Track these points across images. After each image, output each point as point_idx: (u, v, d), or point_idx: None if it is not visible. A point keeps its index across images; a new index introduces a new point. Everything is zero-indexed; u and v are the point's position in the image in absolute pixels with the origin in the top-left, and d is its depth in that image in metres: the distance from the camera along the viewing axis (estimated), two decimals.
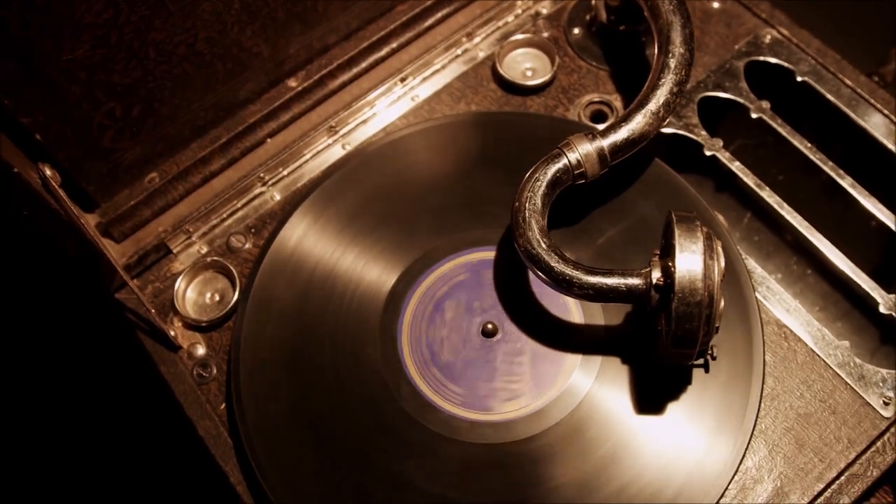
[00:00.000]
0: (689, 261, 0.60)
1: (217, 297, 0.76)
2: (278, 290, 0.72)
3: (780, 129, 0.80)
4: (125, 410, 1.08)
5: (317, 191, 0.76)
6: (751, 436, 0.65)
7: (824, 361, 0.70)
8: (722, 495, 0.63)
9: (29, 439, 1.09)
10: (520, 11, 0.86)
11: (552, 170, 0.67)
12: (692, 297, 0.59)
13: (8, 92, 0.64)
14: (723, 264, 0.61)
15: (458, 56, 0.85)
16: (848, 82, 0.81)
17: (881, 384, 0.69)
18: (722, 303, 0.61)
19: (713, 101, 0.82)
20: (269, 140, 0.81)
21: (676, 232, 0.61)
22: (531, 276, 0.71)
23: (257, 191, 0.79)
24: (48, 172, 0.63)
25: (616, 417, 0.66)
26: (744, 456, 0.65)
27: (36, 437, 1.09)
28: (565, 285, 0.64)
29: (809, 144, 0.79)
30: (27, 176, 0.64)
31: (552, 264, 0.64)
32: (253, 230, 0.78)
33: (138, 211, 0.77)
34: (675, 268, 0.60)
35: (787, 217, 0.76)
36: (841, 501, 0.65)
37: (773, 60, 0.83)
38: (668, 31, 0.72)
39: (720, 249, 0.61)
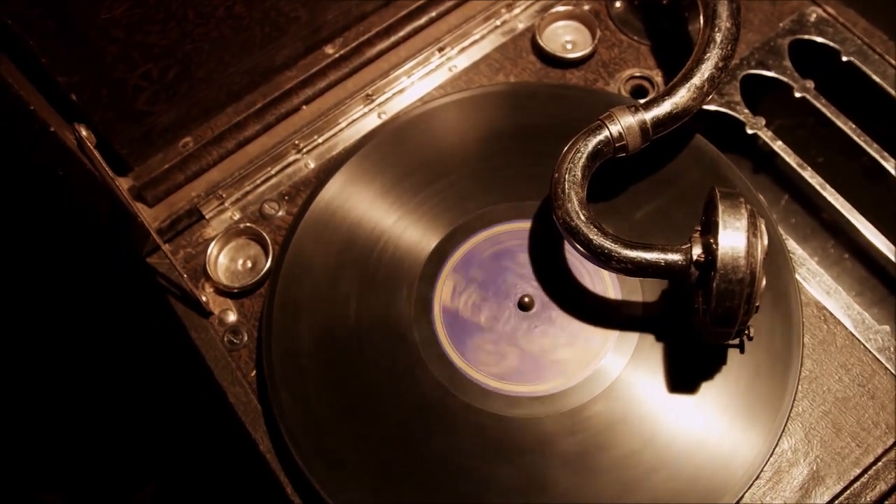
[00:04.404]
0: (733, 237, 0.58)
1: (249, 264, 0.75)
2: (312, 257, 0.71)
3: (823, 110, 0.78)
4: (155, 375, 1.08)
5: (353, 158, 0.75)
6: (787, 418, 0.64)
7: (864, 345, 0.69)
8: (757, 477, 0.63)
9: (57, 402, 1.09)
10: None
11: (593, 141, 0.66)
12: (734, 275, 0.58)
13: (45, 50, 0.64)
14: (766, 242, 0.60)
15: (497, 27, 0.83)
16: (895, 63, 0.80)
17: None
18: (763, 281, 0.60)
19: (755, 79, 0.80)
20: (304, 107, 0.80)
21: (720, 208, 0.60)
22: (568, 249, 0.70)
23: (291, 158, 0.79)
24: (84, 133, 0.63)
25: (649, 396, 0.65)
26: (780, 438, 0.64)
27: (64, 400, 1.09)
28: (603, 258, 0.63)
29: (853, 126, 0.78)
30: (63, 136, 0.63)
31: (591, 237, 0.63)
32: (286, 197, 0.77)
33: (171, 175, 0.77)
34: (717, 244, 0.59)
35: (830, 199, 0.75)
36: (878, 487, 0.64)
37: (818, 39, 0.81)
38: (715, 5, 0.70)
39: (764, 227, 0.60)
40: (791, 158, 0.76)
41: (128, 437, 1.10)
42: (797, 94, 0.79)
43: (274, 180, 0.78)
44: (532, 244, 0.71)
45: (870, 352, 0.69)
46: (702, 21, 0.72)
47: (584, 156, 0.66)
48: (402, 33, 0.82)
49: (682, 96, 0.68)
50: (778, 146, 0.77)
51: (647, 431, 0.64)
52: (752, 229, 0.59)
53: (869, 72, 0.80)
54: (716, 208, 0.60)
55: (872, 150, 0.76)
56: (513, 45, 0.83)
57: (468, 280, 0.70)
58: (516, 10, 0.84)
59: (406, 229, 0.72)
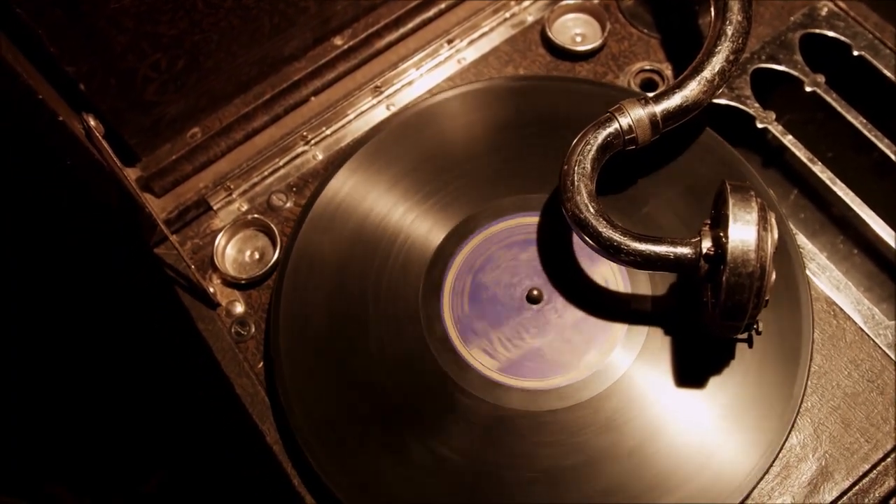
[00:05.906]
0: (743, 231, 0.58)
1: (257, 256, 0.75)
2: (320, 248, 0.71)
3: (834, 104, 0.78)
4: (162, 366, 1.08)
5: (361, 150, 0.75)
6: (796, 414, 0.64)
7: (873, 341, 0.69)
8: (765, 472, 0.62)
9: (63, 393, 1.09)
10: None
11: (603, 134, 0.66)
12: (744, 268, 0.58)
13: (54, 39, 0.64)
14: (776, 236, 0.59)
15: (506, 19, 0.83)
16: None
17: None
18: (773, 275, 0.60)
19: (765, 73, 0.80)
20: (313, 98, 0.80)
21: (730, 201, 0.59)
22: (577, 242, 0.70)
23: (300, 149, 0.79)
24: (92, 123, 0.63)
25: (657, 391, 0.65)
26: (788, 434, 0.63)
27: (70, 391, 1.09)
28: (612, 251, 0.63)
29: (864, 120, 0.77)
30: (71, 126, 0.63)
31: (600, 229, 0.63)
32: (294, 189, 0.77)
33: (179, 166, 0.76)
34: (727, 238, 0.58)
35: (839, 194, 0.75)
36: (886, 483, 0.64)
37: (829, 34, 0.81)
38: None
39: (774, 221, 0.60)
40: (801, 153, 0.76)
41: (134, 430, 1.10)
42: (808, 89, 0.79)
43: (282, 171, 0.78)
44: (541, 237, 0.71)
45: (879, 347, 0.68)
46: (713, 14, 0.71)
47: (594, 148, 0.65)
48: (410, 25, 0.82)
49: (692, 89, 0.68)
50: (788, 140, 0.76)
51: (654, 426, 0.64)
52: (763, 223, 0.59)
53: (880, 66, 0.79)
54: (726, 202, 0.60)
55: (883, 146, 0.76)
56: (522, 38, 0.82)
57: (476, 273, 0.70)
58: (526, 3, 0.84)
59: (414, 222, 0.72)
